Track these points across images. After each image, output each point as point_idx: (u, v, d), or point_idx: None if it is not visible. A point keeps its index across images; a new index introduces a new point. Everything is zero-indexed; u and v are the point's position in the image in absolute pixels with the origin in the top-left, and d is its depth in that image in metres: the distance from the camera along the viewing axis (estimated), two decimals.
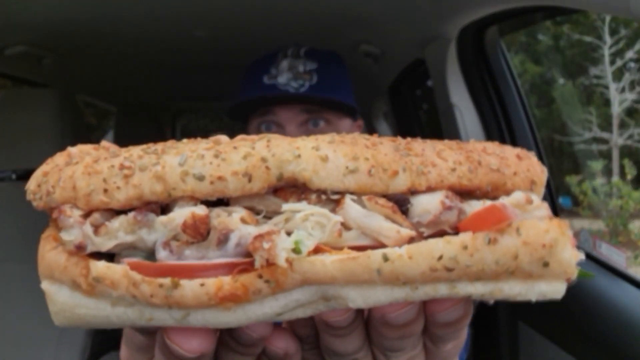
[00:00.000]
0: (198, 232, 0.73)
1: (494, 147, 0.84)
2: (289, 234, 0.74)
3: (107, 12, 3.06)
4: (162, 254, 0.74)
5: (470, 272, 0.71)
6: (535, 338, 2.82)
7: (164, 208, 0.77)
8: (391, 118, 5.29)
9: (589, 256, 2.72)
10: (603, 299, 2.40)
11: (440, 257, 0.71)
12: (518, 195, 0.76)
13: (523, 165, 0.83)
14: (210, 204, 0.77)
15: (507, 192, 0.80)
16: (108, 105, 6.06)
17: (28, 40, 3.47)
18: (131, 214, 0.74)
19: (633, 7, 1.59)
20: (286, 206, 0.76)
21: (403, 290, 0.74)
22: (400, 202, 0.77)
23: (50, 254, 0.77)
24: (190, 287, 0.71)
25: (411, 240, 0.74)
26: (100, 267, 0.73)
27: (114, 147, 0.86)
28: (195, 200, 0.75)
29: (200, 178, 0.73)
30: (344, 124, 2.67)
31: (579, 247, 0.75)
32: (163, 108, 6.76)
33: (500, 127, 3.20)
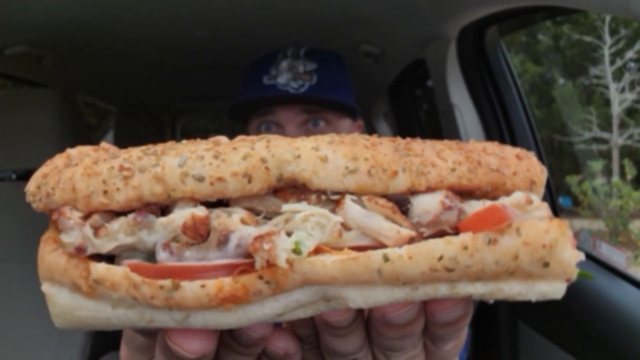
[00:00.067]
0: (198, 233, 0.73)
1: (493, 147, 0.84)
2: (289, 234, 0.74)
3: (107, 12, 3.06)
4: (162, 256, 0.74)
5: (471, 272, 0.71)
6: (535, 338, 2.82)
7: (164, 209, 0.77)
8: (391, 118, 5.29)
9: (589, 256, 2.72)
10: (603, 299, 2.40)
11: (441, 258, 0.71)
12: (518, 196, 0.76)
13: (523, 165, 0.83)
14: (210, 205, 0.77)
15: (507, 192, 0.80)
16: (108, 105, 6.06)
17: (28, 40, 3.47)
18: (131, 216, 0.74)
19: (633, 7, 1.59)
20: (286, 207, 0.76)
21: (403, 290, 0.74)
22: (400, 202, 0.77)
23: (50, 256, 0.77)
24: (190, 289, 0.71)
25: (411, 240, 0.75)
26: (100, 269, 0.73)
27: (113, 149, 0.86)
28: (195, 201, 0.75)
29: (200, 179, 0.73)
30: (344, 124, 2.67)
31: (579, 247, 0.76)
32: (163, 108, 6.76)
33: (500, 127, 3.20)
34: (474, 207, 0.77)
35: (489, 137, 3.23)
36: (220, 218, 0.74)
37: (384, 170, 0.76)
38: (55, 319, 0.78)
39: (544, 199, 0.82)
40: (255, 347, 0.83)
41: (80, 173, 0.75)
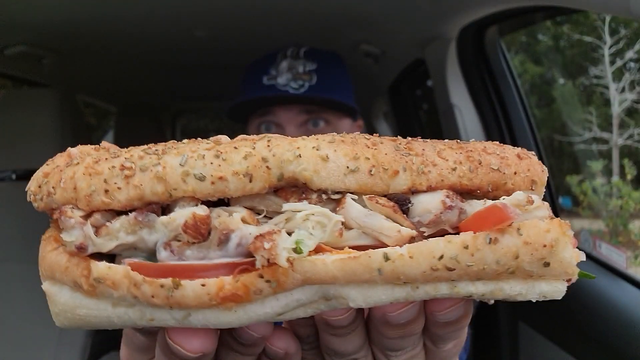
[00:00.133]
0: (199, 233, 0.73)
1: (494, 146, 0.84)
2: (289, 233, 0.74)
3: (107, 12, 3.06)
4: (163, 255, 0.74)
5: (471, 271, 0.71)
6: (535, 338, 2.82)
7: (165, 209, 0.78)
8: (391, 118, 5.29)
9: (589, 256, 2.72)
10: (603, 299, 2.40)
11: (441, 257, 0.71)
12: (519, 195, 0.76)
13: (523, 165, 0.83)
14: (211, 204, 0.77)
15: (508, 192, 0.80)
16: (108, 105, 6.06)
17: (28, 40, 3.47)
18: (132, 215, 0.75)
19: (633, 7, 1.59)
20: (287, 206, 0.76)
21: (404, 289, 0.74)
22: (401, 202, 0.77)
23: (51, 254, 0.77)
24: (191, 288, 0.71)
25: (412, 239, 0.75)
26: (101, 267, 0.73)
27: (114, 148, 0.86)
28: (196, 200, 0.75)
29: (201, 178, 0.73)
30: (344, 124, 2.67)
31: (579, 248, 0.76)
32: (163, 108, 6.75)
33: (500, 127, 3.20)
34: (475, 206, 0.77)
35: (489, 137, 3.23)
36: (221, 217, 0.74)
37: (385, 170, 0.76)
38: (56, 318, 0.78)
39: (544, 199, 0.82)
40: (255, 347, 0.83)
41: (82, 172, 0.75)
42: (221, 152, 0.74)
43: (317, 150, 0.75)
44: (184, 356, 0.76)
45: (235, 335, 0.81)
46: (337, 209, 0.76)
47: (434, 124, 4.17)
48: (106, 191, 0.74)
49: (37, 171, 0.82)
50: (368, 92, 5.05)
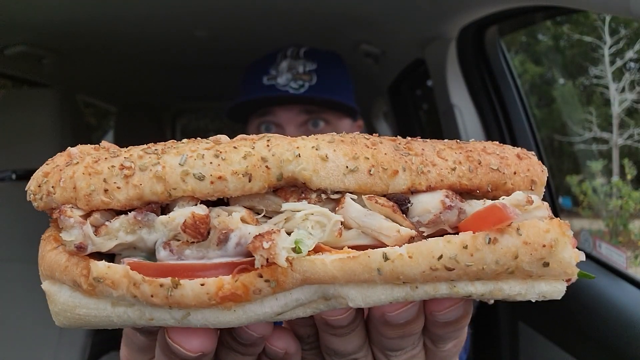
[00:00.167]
0: (198, 232, 0.73)
1: (494, 146, 0.85)
2: (289, 233, 0.74)
3: (107, 12, 3.05)
4: (162, 254, 0.74)
5: (471, 271, 0.71)
6: (535, 338, 2.82)
7: (164, 208, 0.78)
8: (391, 118, 5.29)
9: (589, 256, 2.72)
10: (603, 299, 2.39)
11: (441, 257, 0.71)
12: (518, 195, 0.76)
13: (523, 165, 0.83)
14: (211, 203, 0.77)
15: (508, 192, 0.80)
16: (108, 105, 6.05)
17: (28, 40, 3.47)
18: (131, 214, 0.75)
19: (633, 7, 1.59)
20: (286, 206, 0.76)
21: (403, 289, 0.74)
22: (401, 202, 0.77)
23: (50, 254, 0.77)
24: (190, 287, 0.71)
25: (411, 239, 0.75)
26: (100, 267, 0.73)
27: (114, 147, 0.87)
28: (195, 200, 0.75)
29: (201, 178, 0.73)
30: (344, 124, 2.67)
31: (579, 248, 0.76)
32: (163, 108, 6.76)
33: (500, 127, 3.20)
34: (475, 206, 0.77)
35: (489, 137, 3.23)
36: (220, 217, 0.74)
37: (385, 170, 0.76)
38: (55, 318, 0.78)
39: (544, 199, 0.82)
40: (255, 347, 0.83)
41: (82, 172, 0.75)
42: (221, 152, 0.74)
43: (317, 150, 0.75)
44: (184, 356, 0.76)
45: (234, 335, 0.81)
46: (337, 208, 0.76)
47: (434, 124, 4.17)
48: (106, 191, 0.74)
49: (37, 171, 0.82)
50: (368, 92, 5.05)
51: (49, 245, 0.78)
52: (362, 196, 0.76)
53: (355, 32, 3.54)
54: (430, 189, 0.77)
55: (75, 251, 0.74)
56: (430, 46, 3.29)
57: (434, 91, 3.58)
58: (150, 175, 0.73)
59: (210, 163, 0.74)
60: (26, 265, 3.00)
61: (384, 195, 0.77)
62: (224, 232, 0.73)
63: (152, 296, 0.71)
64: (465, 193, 0.80)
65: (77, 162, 0.77)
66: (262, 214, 0.77)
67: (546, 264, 0.72)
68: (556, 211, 3.20)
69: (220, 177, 0.73)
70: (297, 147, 0.75)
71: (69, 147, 0.85)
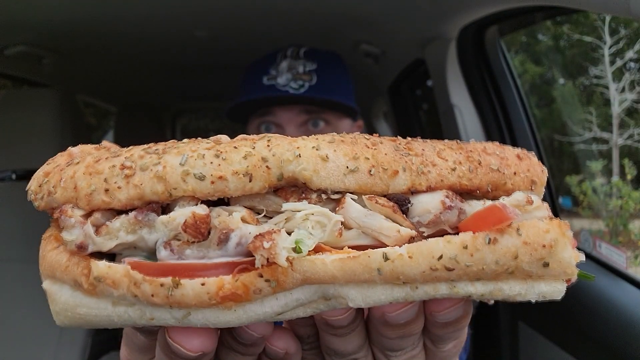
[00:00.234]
0: (199, 232, 0.73)
1: (494, 147, 0.85)
2: (289, 233, 0.74)
3: (107, 12, 3.05)
4: (163, 254, 0.74)
5: (471, 272, 0.72)
6: (535, 338, 2.82)
7: (165, 208, 0.78)
8: (391, 118, 5.29)
9: (589, 256, 2.72)
10: (603, 299, 2.40)
11: (441, 257, 0.71)
12: (518, 196, 0.76)
13: (523, 166, 0.83)
14: (211, 203, 0.77)
15: (508, 192, 0.80)
16: (108, 105, 6.06)
17: (28, 40, 3.47)
18: (132, 214, 0.75)
19: (633, 7, 1.59)
20: (287, 205, 0.76)
21: (403, 289, 0.74)
22: (401, 202, 0.77)
23: (51, 253, 0.77)
24: (191, 287, 0.71)
25: (411, 239, 0.75)
26: (101, 266, 0.73)
27: (115, 147, 0.87)
28: (196, 200, 0.75)
29: (201, 178, 0.73)
30: (344, 124, 2.67)
31: (579, 248, 0.76)
32: (163, 108, 6.76)
33: (500, 127, 3.20)
34: (475, 207, 0.77)
35: (489, 137, 3.23)
36: (221, 217, 0.75)
37: (385, 170, 0.76)
38: (56, 317, 0.78)
39: (544, 199, 0.82)
40: (255, 347, 0.83)
41: (82, 171, 0.75)
42: (221, 152, 0.74)
43: (317, 150, 0.75)
44: (184, 355, 0.76)
45: (235, 335, 0.81)
46: (337, 208, 0.76)
47: (434, 124, 4.16)
48: (106, 190, 0.74)
49: (38, 170, 0.82)
50: (368, 92, 5.05)
51: (49, 244, 0.78)
52: (363, 196, 0.76)
53: (355, 32, 3.54)
54: (430, 189, 0.77)
55: (76, 251, 0.74)
56: (430, 46, 3.29)
57: (434, 91, 3.58)
58: (151, 175, 0.74)
59: (211, 163, 0.74)
60: (26, 265, 3.00)
61: (384, 196, 0.77)
62: (224, 231, 0.73)
63: (152, 296, 0.71)
64: (465, 193, 0.80)
65: (78, 162, 0.77)
66: (263, 214, 0.78)
67: (546, 265, 0.72)
68: (556, 211, 3.21)
69: (220, 177, 0.73)
70: (298, 147, 0.75)
71: (70, 147, 0.86)
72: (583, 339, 2.45)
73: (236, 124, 2.95)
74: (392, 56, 3.90)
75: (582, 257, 0.74)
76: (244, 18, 3.26)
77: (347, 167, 0.75)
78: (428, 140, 0.84)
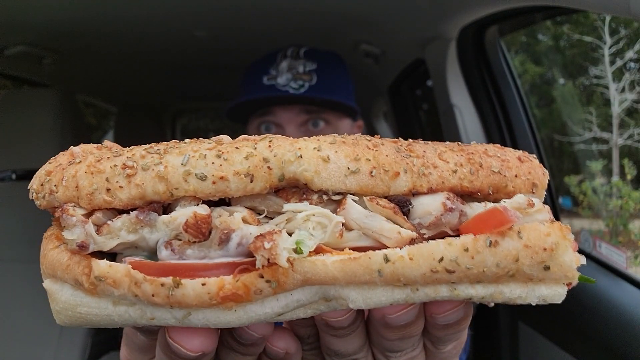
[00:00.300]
0: (200, 232, 0.73)
1: (495, 149, 0.85)
2: (290, 234, 0.74)
3: (107, 12, 3.05)
4: (164, 254, 0.74)
5: (471, 274, 0.72)
6: (535, 338, 2.82)
7: (166, 208, 0.78)
8: (391, 118, 5.29)
9: (589, 256, 2.72)
10: (603, 299, 2.40)
11: (441, 259, 0.71)
12: (519, 198, 0.76)
13: (524, 168, 0.83)
14: (212, 203, 0.77)
15: (509, 195, 0.80)
16: (108, 105, 6.06)
17: (28, 40, 3.47)
18: (133, 214, 0.75)
19: (633, 7, 1.59)
20: (288, 206, 0.76)
21: (403, 291, 0.75)
22: (402, 204, 0.77)
23: (52, 252, 0.77)
24: (191, 287, 0.71)
25: (412, 241, 0.75)
26: (102, 266, 0.73)
27: (116, 147, 0.87)
28: (197, 200, 0.75)
29: (203, 178, 0.73)
30: (344, 124, 2.67)
31: (579, 250, 0.76)
32: (163, 108, 6.76)
33: (500, 128, 3.20)
34: (476, 209, 0.77)
35: (489, 137, 3.23)
36: (222, 217, 0.75)
37: (386, 171, 0.76)
38: (56, 316, 0.78)
39: (545, 201, 0.82)
40: (255, 347, 0.84)
41: (84, 171, 0.75)
42: (223, 152, 0.75)
43: (319, 151, 0.75)
44: (184, 355, 0.76)
45: (235, 335, 0.81)
46: (338, 210, 0.76)
47: (434, 124, 4.17)
48: (108, 190, 0.74)
49: (40, 169, 0.82)
50: (368, 92, 5.05)
51: (50, 243, 0.78)
52: (364, 198, 0.76)
53: (355, 32, 3.54)
54: (431, 191, 0.77)
55: (77, 250, 0.74)
56: (430, 46, 3.29)
57: (434, 91, 3.58)
58: (152, 174, 0.74)
59: (212, 163, 0.74)
60: (26, 265, 3.00)
61: (385, 197, 0.77)
62: (225, 232, 0.73)
63: (153, 295, 0.71)
64: (467, 195, 0.80)
65: (80, 161, 0.77)
66: (264, 215, 0.78)
67: (547, 268, 0.72)
68: (556, 212, 3.21)
69: (222, 178, 0.73)
70: (299, 148, 0.75)
71: (72, 146, 0.86)
72: (583, 339, 2.45)
73: (236, 124, 2.95)
74: (392, 56, 3.90)
75: (583, 261, 0.74)
76: (244, 18, 3.26)
77: (348, 168, 0.75)
78: (429, 142, 0.84)
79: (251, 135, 0.83)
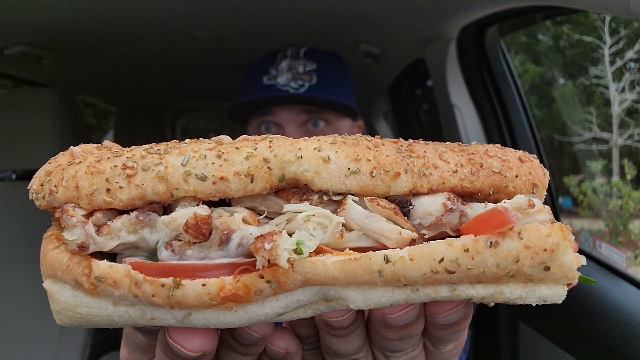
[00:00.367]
0: (200, 232, 0.73)
1: (496, 149, 0.85)
2: (290, 234, 0.74)
3: (107, 12, 3.05)
4: (164, 254, 0.74)
5: (472, 274, 0.72)
6: (535, 338, 2.82)
7: (166, 208, 0.78)
8: (391, 118, 5.29)
9: (589, 256, 2.72)
10: (603, 299, 2.40)
11: (442, 260, 0.71)
12: (520, 199, 0.76)
13: (525, 168, 0.83)
14: (212, 204, 0.77)
15: (509, 195, 0.80)
16: (108, 105, 6.06)
17: (28, 40, 3.47)
18: (133, 214, 0.75)
19: (633, 7, 1.59)
20: (288, 207, 0.76)
21: (404, 292, 0.74)
22: (402, 204, 0.77)
23: (52, 253, 0.77)
24: (192, 287, 0.71)
25: (412, 242, 0.75)
26: (102, 266, 0.73)
27: (116, 147, 0.87)
28: (197, 200, 0.75)
29: (203, 178, 0.73)
30: (344, 124, 2.67)
31: (579, 250, 0.76)
32: (163, 108, 6.76)
33: (500, 128, 3.20)
34: (476, 209, 0.77)
35: (489, 137, 3.23)
36: (222, 217, 0.74)
37: (386, 172, 0.76)
38: (56, 316, 0.78)
39: (545, 202, 0.82)
40: (256, 347, 0.84)
41: (84, 171, 0.75)
42: (223, 153, 0.74)
43: (319, 151, 0.75)
44: (185, 355, 0.76)
45: (235, 335, 0.81)
46: (338, 210, 0.76)
47: (434, 124, 4.16)
48: (108, 190, 0.74)
49: (40, 169, 0.82)
50: (368, 92, 5.05)
51: (50, 244, 0.78)
52: (364, 198, 0.76)
53: (355, 32, 3.54)
54: (432, 191, 0.77)
55: (77, 250, 0.74)
56: (430, 46, 3.29)
57: (434, 91, 3.58)
58: (152, 175, 0.74)
59: (213, 163, 0.74)
60: (26, 265, 3.00)
61: (386, 198, 0.77)
62: (225, 232, 0.73)
63: (153, 296, 0.71)
64: (467, 196, 0.80)
65: (80, 162, 0.77)
66: (264, 215, 0.78)
67: (547, 268, 0.72)
68: (556, 212, 3.20)
69: (222, 178, 0.73)
70: (299, 149, 0.75)
71: (72, 146, 0.86)
72: (583, 339, 2.45)
73: (236, 124, 2.95)
74: (392, 56, 3.90)
75: (584, 261, 0.74)
76: (244, 18, 3.26)
77: (349, 168, 0.75)
78: (430, 143, 0.84)
79: (251, 135, 0.83)
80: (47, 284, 0.78)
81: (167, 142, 0.82)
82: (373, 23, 3.31)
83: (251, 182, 0.74)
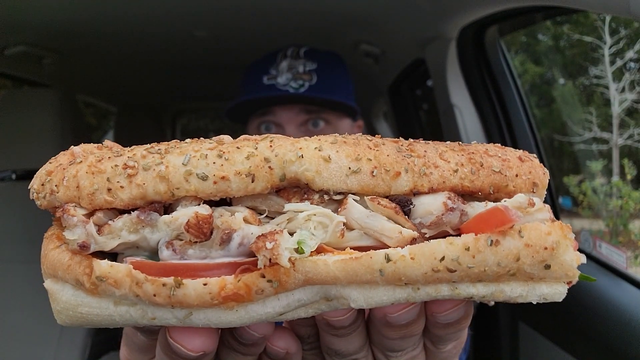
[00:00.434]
0: (201, 232, 0.73)
1: (496, 149, 0.85)
2: (291, 234, 0.74)
3: (107, 12, 3.05)
4: (165, 254, 0.74)
5: (472, 273, 0.72)
6: (535, 338, 2.82)
7: (167, 208, 0.78)
8: (391, 118, 5.29)
9: (589, 256, 2.72)
10: (603, 299, 2.40)
11: (443, 258, 0.71)
12: (520, 198, 0.76)
13: (525, 168, 0.83)
14: (213, 203, 0.77)
15: (509, 194, 0.80)
16: (108, 105, 6.06)
17: (28, 40, 3.47)
18: (134, 214, 0.75)
19: (633, 7, 1.59)
20: (289, 206, 0.76)
21: (405, 290, 0.75)
22: (403, 203, 0.77)
23: (53, 252, 0.77)
24: (193, 287, 0.71)
25: (413, 241, 0.75)
26: (103, 266, 0.73)
27: (117, 147, 0.87)
28: (198, 200, 0.75)
29: (204, 178, 0.73)
30: (344, 124, 2.67)
31: (580, 250, 0.76)
32: (163, 108, 6.76)
33: (500, 127, 3.20)
34: (477, 208, 0.77)
35: (489, 137, 3.23)
36: (223, 217, 0.75)
37: (387, 171, 0.76)
38: (57, 316, 0.78)
39: (545, 201, 0.82)
40: (256, 347, 0.84)
41: (85, 171, 0.75)
42: (224, 152, 0.75)
43: (320, 151, 0.75)
44: (185, 355, 0.76)
45: (236, 335, 0.81)
46: (339, 209, 0.76)
47: (434, 124, 4.16)
48: (109, 190, 0.74)
49: (41, 169, 0.82)
50: (368, 92, 5.05)
51: (51, 243, 0.78)
52: (365, 197, 0.76)
53: (355, 32, 3.54)
54: (432, 190, 0.77)
55: (78, 250, 0.74)
56: (430, 46, 3.29)
57: (434, 91, 3.58)
58: (153, 174, 0.74)
59: (214, 163, 0.74)
60: (26, 265, 3.00)
61: (387, 197, 0.77)
62: (226, 232, 0.73)
63: (154, 295, 0.71)
64: (467, 195, 0.80)
65: (81, 161, 0.77)
66: (265, 215, 0.78)
67: (547, 267, 0.72)
68: (556, 212, 3.20)
69: (223, 177, 0.73)
70: (300, 148, 0.75)
71: (72, 146, 0.86)
72: (583, 339, 2.45)
73: (237, 124, 2.94)
74: (392, 56, 3.90)
75: (584, 260, 0.74)
76: (244, 18, 3.26)
77: (350, 168, 0.75)
78: (430, 142, 0.84)
79: (251, 135, 0.83)
80: (48, 284, 0.78)
81: (168, 142, 0.82)
82: (373, 23, 3.31)
83: (252, 182, 0.74)
